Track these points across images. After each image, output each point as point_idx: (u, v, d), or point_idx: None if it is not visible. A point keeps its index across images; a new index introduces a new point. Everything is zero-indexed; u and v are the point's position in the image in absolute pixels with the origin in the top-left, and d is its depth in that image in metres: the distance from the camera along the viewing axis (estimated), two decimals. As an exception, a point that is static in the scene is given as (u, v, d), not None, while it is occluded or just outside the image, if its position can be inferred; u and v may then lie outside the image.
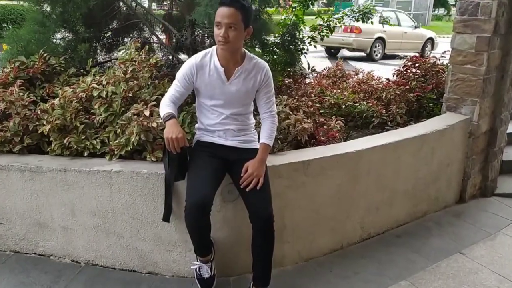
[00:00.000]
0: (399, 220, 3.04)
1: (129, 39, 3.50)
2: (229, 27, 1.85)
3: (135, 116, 2.21)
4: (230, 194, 2.16)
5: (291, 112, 2.64)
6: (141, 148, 2.25)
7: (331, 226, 2.58)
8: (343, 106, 3.73)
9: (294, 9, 3.59)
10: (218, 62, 1.98)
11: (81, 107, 2.33)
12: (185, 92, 2.04)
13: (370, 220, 2.83)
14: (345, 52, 12.11)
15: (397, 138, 2.84)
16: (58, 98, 2.28)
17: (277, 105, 2.57)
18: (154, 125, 2.15)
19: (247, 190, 1.97)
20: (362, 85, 4.29)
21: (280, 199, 2.27)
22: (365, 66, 5.58)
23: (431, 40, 12.52)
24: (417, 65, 3.90)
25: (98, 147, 2.21)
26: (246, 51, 2.05)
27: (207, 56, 2.01)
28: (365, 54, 11.23)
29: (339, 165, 2.52)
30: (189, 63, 2.01)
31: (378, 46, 11.23)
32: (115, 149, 2.18)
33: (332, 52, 11.93)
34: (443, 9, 35.97)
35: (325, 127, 2.76)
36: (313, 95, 3.46)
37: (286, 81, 3.17)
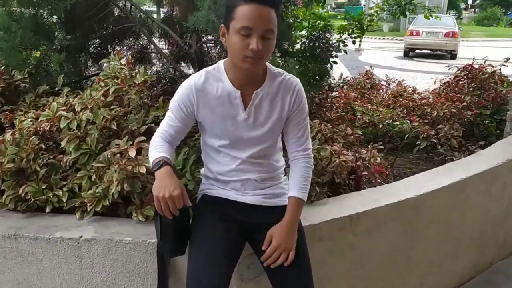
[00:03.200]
0: (464, 276, 2.40)
1: (123, 47, 2.89)
2: (262, 36, 1.22)
3: (117, 156, 1.57)
4: (250, 270, 1.50)
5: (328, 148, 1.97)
6: (125, 198, 1.61)
7: (385, 298, 1.91)
8: (380, 125, 3.09)
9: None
10: (229, 83, 1.35)
11: (43, 144, 1.69)
12: (183, 127, 1.40)
13: (430, 280, 2.18)
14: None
15: (465, 174, 2.17)
16: (11, 132, 1.66)
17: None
18: (143, 170, 1.51)
19: (271, 266, 1.34)
20: (398, 98, 3.64)
21: (319, 269, 1.60)
22: (381, 73, 4.93)
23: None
24: (470, 75, 3.22)
25: (65, 199, 1.57)
26: (267, 64, 1.40)
27: (211, 75, 1.36)
28: (448, 54, 12.90)
29: (396, 216, 1.86)
30: (186, 85, 1.37)
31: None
32: (88, 204, 1.54)
33: (409, 54, 13.28)
34: (455, 11, 35.58)
35: (366, 162, 2.09)
36: (339, 111, 2.80)
37: (316, 99, 2.52)
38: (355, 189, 2.13)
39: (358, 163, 2.02)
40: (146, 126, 1.73)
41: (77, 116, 1.69)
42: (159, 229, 1.34)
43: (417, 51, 13.40)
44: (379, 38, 19.13)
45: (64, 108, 1.72)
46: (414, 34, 13.11)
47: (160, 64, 3.00)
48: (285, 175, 1.53)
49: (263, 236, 1.37)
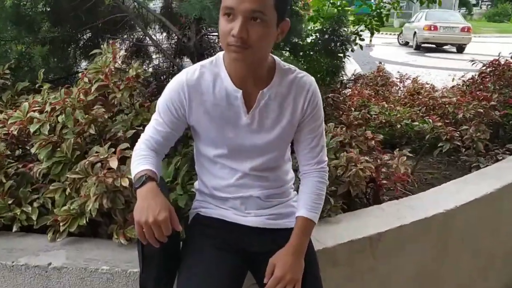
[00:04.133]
0: (496, 293, 2.13)
1: (116, 40, 2.65)
2: (252, 18, 0.97)
3: (97, 166, 1.33)
4: (253, 303, 1.26)
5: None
6: (107, 214, 1.37)
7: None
8: (398, 125, 2.83)
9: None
10: (229, 80, 1.10)
11: (12, 150, 1.46)
12: (172, 133, 1.15)
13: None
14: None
15: (498, 184, 1.91)
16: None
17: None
18: (126, 182, 1.27)
19: None
20: (415, 95, 3.37)
21: (335, 299, 1.36)
22: (393, 69, 4.69)
23: None
24: (496, 72, 2.92)
25: (35, 217, 1.34)
26: (276, 59, 1.15)
27: (207, 70, 1.12)
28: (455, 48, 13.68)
29: (423, 234, 1.60)
30: (177, 82, 1.12)
31: None
32: (62, 223, 1.30)
33: (420, 47, 13.85)
34: (465, 9, 35.20)
35: (392, 170, 1.82)
36: (353, 110, 2.56)
37: (330, 98, 2.26)
38: (373, 200, 1.88)
39: (379, 171, 1.76)
40: (134, 131, 1.48)
41: (51, 118, 1.45)
42: (141, 259, 1.10)
43: (425, 44, 13.94)
44: (390, 34, 18.71)
45: (38, 108, 1.48)
46: (432, 29, 13.59)
47: (158, 59, 2.75)
48: (295, 190, 1.29)
49: (266, 266, 1.12)
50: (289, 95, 1.12)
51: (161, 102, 1.14)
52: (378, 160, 1.87)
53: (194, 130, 1.17)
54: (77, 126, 1.42)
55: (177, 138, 1.21)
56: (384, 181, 1.87)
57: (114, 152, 1.33)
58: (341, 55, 2.23)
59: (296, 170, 1.30)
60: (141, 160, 1.10)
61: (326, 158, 1.21)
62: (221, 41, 1.03)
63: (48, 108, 1.43)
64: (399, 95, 3.54)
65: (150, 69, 2.68)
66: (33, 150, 1.39)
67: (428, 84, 3.72)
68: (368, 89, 3.64)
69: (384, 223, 1.48)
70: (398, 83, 3.97)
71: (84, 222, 1.30)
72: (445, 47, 13.85)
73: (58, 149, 1.41)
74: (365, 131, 1.96)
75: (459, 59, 10.61)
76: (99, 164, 1.34)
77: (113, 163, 1.27)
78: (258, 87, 1.10)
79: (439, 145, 2.64)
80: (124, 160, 1.35)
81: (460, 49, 13.37)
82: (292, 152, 1.25)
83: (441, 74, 7.74)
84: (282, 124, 1.13)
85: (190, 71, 1.12)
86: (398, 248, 1.53)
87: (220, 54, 1.13)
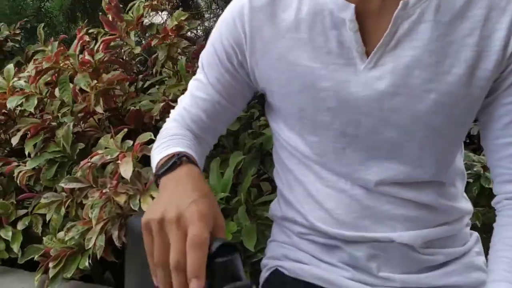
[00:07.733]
0: None
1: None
2: None
3: (108, 170, 0.80)
4: None
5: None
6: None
7: None
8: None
9: None
10: None
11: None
12: (222, 103, 0.57)
13: None
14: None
15: None
16: None
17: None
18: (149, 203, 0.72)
19: None
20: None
21: None
22: None
23: None
24: None
25: (16, 248, 0.85)
26: None
27: None
28: None
29: None
30: (233, 6, 0.53)
31: None
32: (52, 262, 0.79)
33: None
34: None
35: None
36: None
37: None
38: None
39: None
40: (163, 103, 0.91)
41: (40, 89, 0.92)
42: None
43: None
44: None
45: (26, 74, 0.97)
46: None
47: (209, 13, 2.17)
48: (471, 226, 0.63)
49: None
50: (470, 11, 0.46)
51: (206, 50, 0.57)
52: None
53: (267, 101, 0.58)
54: (80, 102, 0.88)
55: (232, 119, 0.63)
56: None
57: (131, 148, 0.77)
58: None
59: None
60: (170, 142, 0.54)
61: None
62: None
63: (31, 70, 0.89)
64: None
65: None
66: (14, 141, 0.88)
67: None
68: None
69: None
70: None
71: (86, 263, 0.77)
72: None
73: (53, 138, 0.89)
74: None
75: None
76: (111, 167, 0.80)
77: (126, 170, 0.71)
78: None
79: None
80: (148, 160, 0.79)
81: None
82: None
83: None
84: (454, 76, 0.47)
85: None
86: None
87: None
